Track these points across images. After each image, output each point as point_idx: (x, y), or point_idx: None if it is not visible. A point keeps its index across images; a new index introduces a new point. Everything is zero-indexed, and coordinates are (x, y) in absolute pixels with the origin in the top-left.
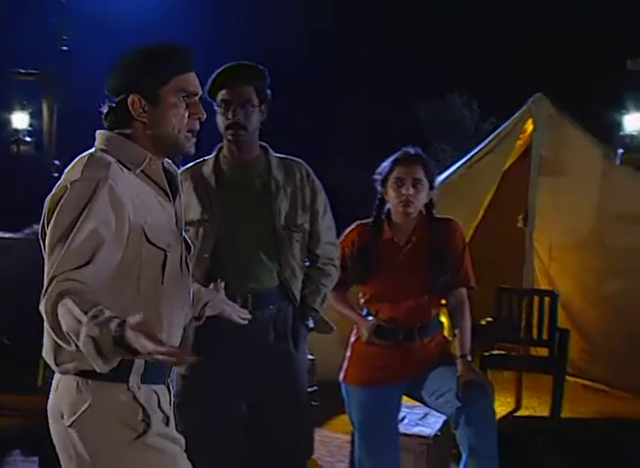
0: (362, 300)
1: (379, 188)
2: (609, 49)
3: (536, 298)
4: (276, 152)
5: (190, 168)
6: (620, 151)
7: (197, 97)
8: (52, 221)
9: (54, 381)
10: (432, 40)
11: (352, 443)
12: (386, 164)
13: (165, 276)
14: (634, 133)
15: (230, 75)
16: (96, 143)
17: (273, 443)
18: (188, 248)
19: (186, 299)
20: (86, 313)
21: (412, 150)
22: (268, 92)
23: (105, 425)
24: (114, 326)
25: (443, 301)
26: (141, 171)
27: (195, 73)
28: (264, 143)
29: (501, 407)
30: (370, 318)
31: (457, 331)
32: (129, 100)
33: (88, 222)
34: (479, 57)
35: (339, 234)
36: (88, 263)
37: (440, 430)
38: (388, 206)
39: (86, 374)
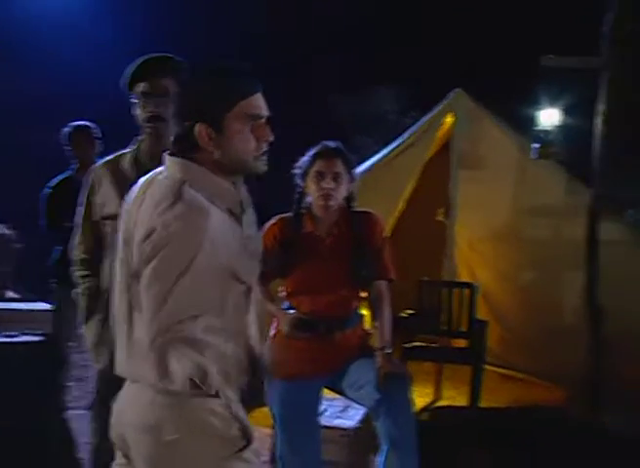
0: (283, 294)
1: (299, 182)
2: (525, 45)
3: (455, 290)
4: None
5: (109, 161)
6: (536, 145)
7: (264, 120)
8: (154, 273)
9: (139, 393)
10: (357, 35)
11: (273, 436)
12: (306, 158)
13: (249, 304)
14: (548, 127)
15: (150, 67)
16: (172, 170)
17: None
18: None
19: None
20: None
21: (331, 144)
22: None
23: (205, 440)
24: None
25: (364, 294)
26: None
27: (261, 93)
28: None
29: (422, 398)
30: (290, 311)
31: (377, 324)
32: (195, 130)
33: (193, 277)
34: (402, 52)
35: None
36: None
37: (361, 422)
38: (309, 199)
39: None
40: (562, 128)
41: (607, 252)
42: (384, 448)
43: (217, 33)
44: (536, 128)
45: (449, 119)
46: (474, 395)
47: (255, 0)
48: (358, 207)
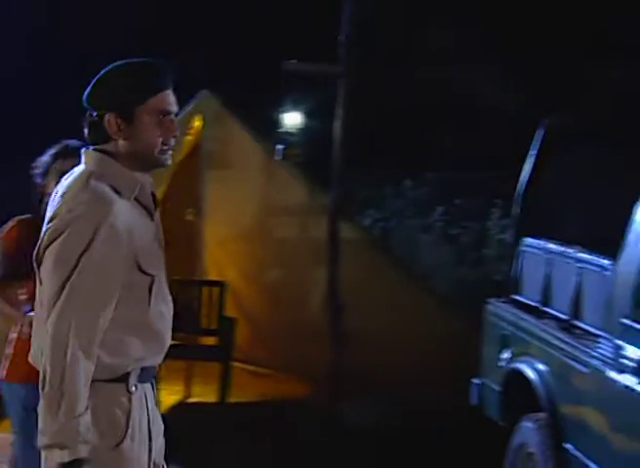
0: (23, 297)
1: (38, 181)
2: (271, 48)
3: (205, 289)
4: None
5: None
6: (280, 147)
7: (172, 115)
8: (52, 259)
9: None
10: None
11: (13, 443)
12: (46, 157)
13: (152, 297)
14: (291, 130)
15: None
16: (86, 162)
17: None
18: None
19: (170, 312)
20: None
21: (73, 143)
22: None
23: (102, 428)
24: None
25: None
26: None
27: (171, 91)
28: None
29: (172, 395)
30: (31, 314)
31: None
32: (105, 118)
33: (88, 267)
34: (151, 53)
35: None
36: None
37: None
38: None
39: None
40: (304, 130)
41: (347, 250)
42: None
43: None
44: (280, 130)
45: (197, 122)
46: (223, 391)
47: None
48: None
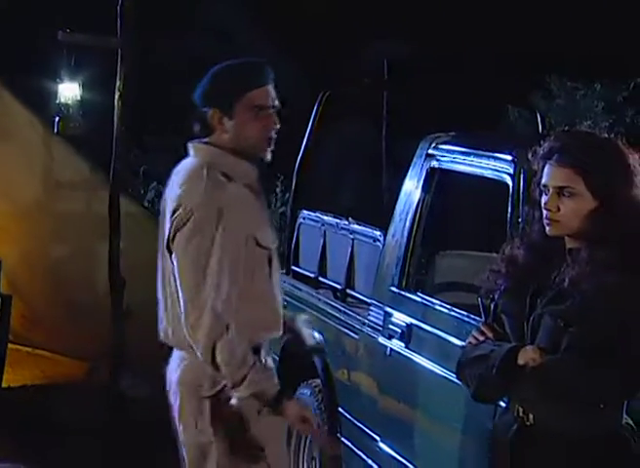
0: None
1: None
2: (47, 17)
3: None
4: None
5: None
6: (56, 119)
7: (270, 110)
8: (184, 246)
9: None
10: None
11: None
12: None
13: (272, 269)
14: (69, 101)
15: None
16: (196, 154)
17: None
18: None
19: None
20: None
21: None
22: None
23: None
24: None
25: None
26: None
27: (271, 86)
28: None
29: None
30: None
31: None
32: (209, 114)
33: (220, 249)
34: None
35: None
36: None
37: None
38: None
39: None
40: (83, 102)
41: (130, 224)
42: None
43: None
44: (57, 102)
45: None
46: None
47: None
48: None
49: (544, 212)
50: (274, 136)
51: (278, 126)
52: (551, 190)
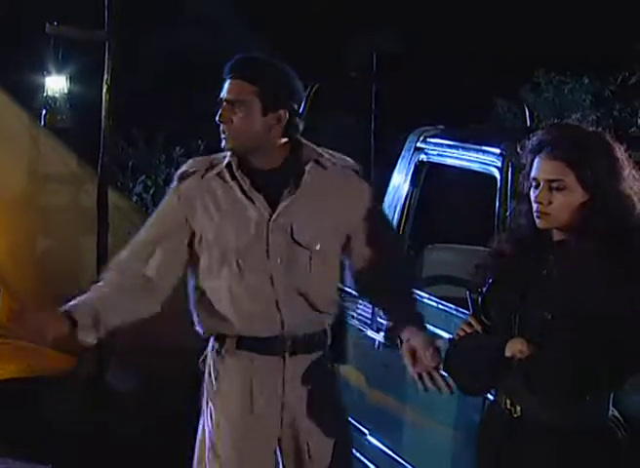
0: None
1: None
2: (35, 10)
3: None
4: None
5: None
6: (44, 112)
7: (224, 103)
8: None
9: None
10: None
11: None
12: None
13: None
14: (56, 94)
15: None
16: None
17: None
18: None
19: None
20: None
21: None
22: None
23: None
24: None
25: None
26: None
27: (234, 80)
28: None
29: None
30: None
31: None
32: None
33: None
34: None
35: None
36: None
37: None
38: None
39: None
40: (71, 95)
41: (118, 218)
42: None
43: None
44: (44, 95)
45: None
46: None
47: None
48: None
49: (535, 205)
50: (221, 129)
51: (221, 118)
52: (542, 183)
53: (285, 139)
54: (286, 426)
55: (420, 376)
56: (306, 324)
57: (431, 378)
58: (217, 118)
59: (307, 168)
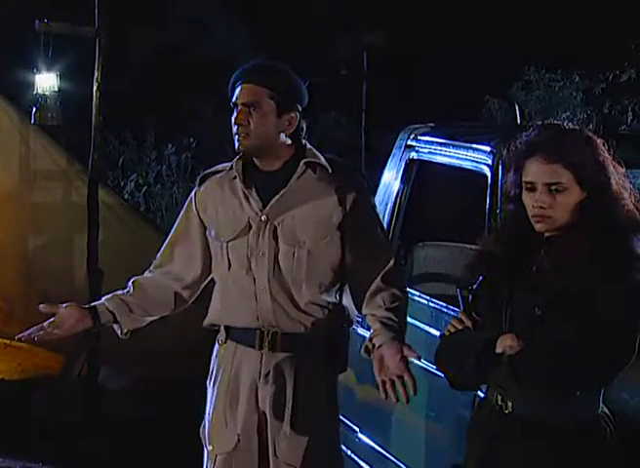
0: None
1: None
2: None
3: None
4: None
5: None
6: (34, 110)
7: (239, 107)
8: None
9: None
10: None
11: None
12: None
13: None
14: (46, 92)
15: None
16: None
17: None
18: None
19: None
20: None
21: None
22: None
23: None
24: None
25: None
26: None
27: (247, 85)
28: None
29: None
30: None
31: None
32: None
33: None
34: None
35: None
36: None
37: None
38: None
39: None
40: (61, 93)
41: (108, 215)
42: None
43: None
44: (34, 92)
45: None
46: None
47: None
48: None
49: (534, 209)
50: (236, 131)
51: (237, 120)
52: (540, 187)
53: (290, 141)
54: (262, 420)
55: (384, 384)
56: (287, 322)
57: (393, 387)
58: (232, 120)
59: (301, 167)
